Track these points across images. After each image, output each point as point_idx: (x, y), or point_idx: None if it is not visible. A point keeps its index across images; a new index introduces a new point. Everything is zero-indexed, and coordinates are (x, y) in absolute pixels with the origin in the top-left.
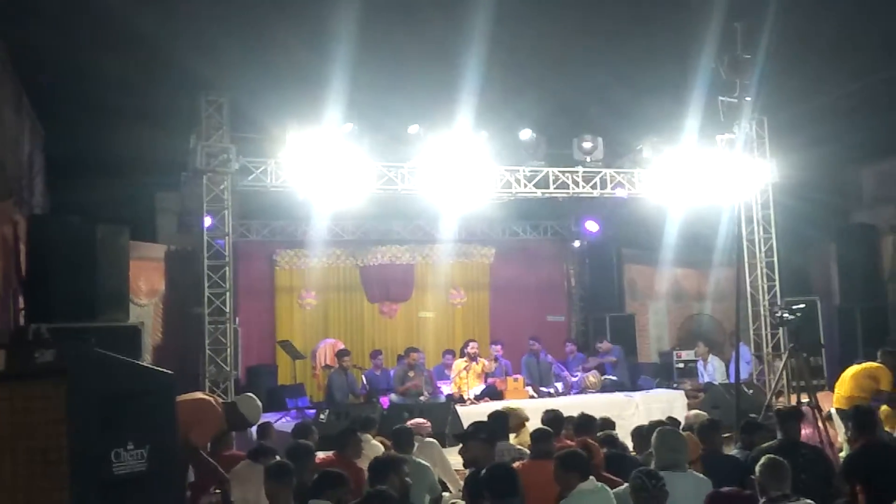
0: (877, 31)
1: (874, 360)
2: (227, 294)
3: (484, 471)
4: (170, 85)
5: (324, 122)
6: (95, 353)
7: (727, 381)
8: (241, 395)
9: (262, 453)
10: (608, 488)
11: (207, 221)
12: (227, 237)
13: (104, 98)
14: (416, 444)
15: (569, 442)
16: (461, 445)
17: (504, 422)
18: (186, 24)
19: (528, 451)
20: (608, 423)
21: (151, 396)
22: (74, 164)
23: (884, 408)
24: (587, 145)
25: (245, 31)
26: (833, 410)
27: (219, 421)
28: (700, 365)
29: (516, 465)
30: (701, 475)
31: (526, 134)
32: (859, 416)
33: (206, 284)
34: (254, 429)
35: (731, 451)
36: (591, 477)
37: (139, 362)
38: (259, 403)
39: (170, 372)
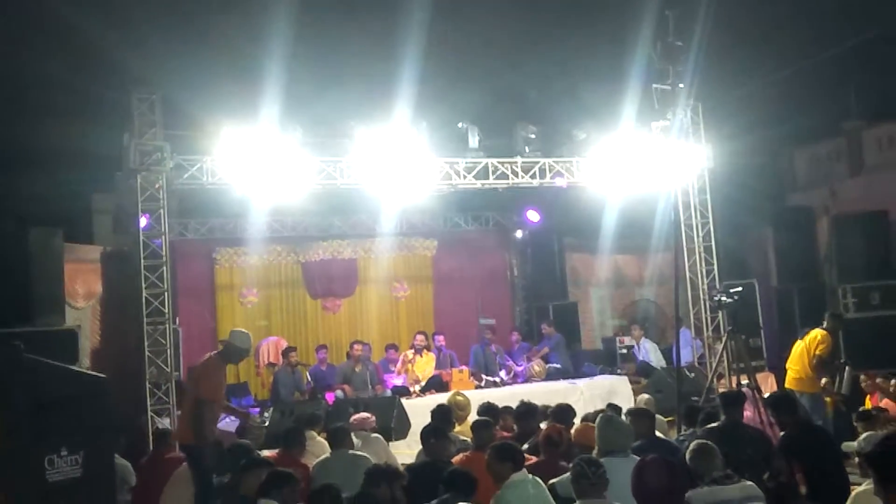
0: (807, 17)
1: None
2: (166, 294)
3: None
4: (100, 81)
5: (260, 117)
6: (24, 359)
7: (665, 364)
8: (232, 331)
9: None
10: (539, 479)
11: (143, 221)
12: (163, 236)
13: (34, 94)
14: (362, 440)
15: (505, 433)
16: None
17: (447, 415)
18: (116, 18)
19: (470, 442)
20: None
21: (85, 401)
22: (6, 163)
23: None
24: (531, 136)
25: (176, 26)
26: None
27: (218, 371)
28: (636, 348)
29: (460, 456)
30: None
31: (471, 134)
32: (784, 402)
33: (144, 285)
34: None
35: (674, 435)
36: (524, 468)
37: (71, 367)
38: (244, 330)
39: (102, 375)
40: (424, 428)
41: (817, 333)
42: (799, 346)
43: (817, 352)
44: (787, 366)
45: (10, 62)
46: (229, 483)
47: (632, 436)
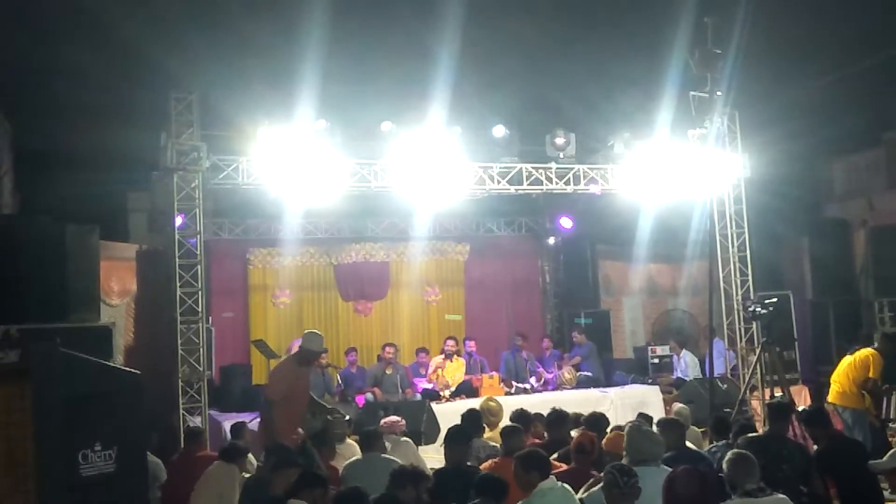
0: (846, 26)
1: (868, 347)
2: (200, 293)
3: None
4: (138, 81)
5: (295, 119)
6: (60, 353)
7: (701, 376)
8: (304, 333)
9: (234, 453)
10: (568, 486)
11: (178, 220)
12: (198, 236)
13: (72, 94)
14: (391, 444)
15: (535, 440)
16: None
17: (478, 420)
18: (154, 19)
19: (500, 448)
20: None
21: (119, 396)
22: (44, 162)
23: None
24: (560, 141)
25: (214, 27)
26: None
27: (285, 372)
28: (675, 360)
29: (489, 462)
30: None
31: (500, 131)
32: (817, 416)
33: (178, 284)
34: (227, 428)
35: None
36: (552, 476)
37: (106, 362)
38: (317, 332)
39: (137, 371)
40: (449, 430)
41: (869, 354)
42: (846, 361)
43: (872, 374)
44: (832, 379)
45: (49, 61)
46: (256, 480)
47: (662, 445)
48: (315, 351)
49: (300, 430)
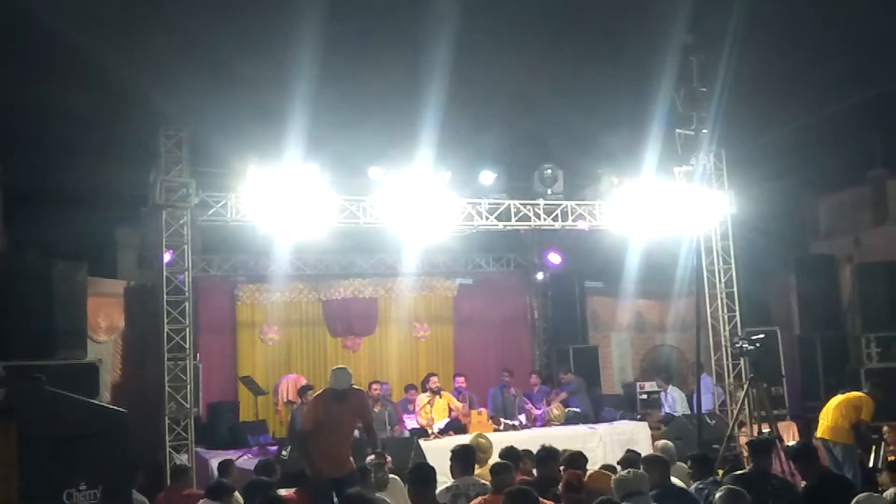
0: (831, 65)
1: (857, 390)
2: (187, 330)
3: None
4: (128, 118)
5: (284, 156)
6: (46, 392)
7: (689, 412)
8: (331, 370)
9: (221, 491)
10: None
11: (167, 257)
12: (186, 272)
13: (61, 131)
14: None
15: (525, 477)
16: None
17: (470, 456)
18: (145, 57)
19: (489, 485)
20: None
21: (104, 435)
22: (33, 199)
23: None
24: (548, 173)
25: (205, 65)
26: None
27: (316, 403)
28: (662, 396)
29: (478, 500)
30: None
31: (487, 177)
32: (804, 453)
33: (166, 320)
34: (215, 465)
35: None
36: None
37: (92, 401)
38: (343, 369)
39: (123, 410)
40: (412, 470)
41: (861, 397)
42: (837, 399)
43: (863, 417)
44: (821, 416)
45: (39, 99)
46: None
47: (646, 479)
48: (337, 389)
49: (352, 461)
